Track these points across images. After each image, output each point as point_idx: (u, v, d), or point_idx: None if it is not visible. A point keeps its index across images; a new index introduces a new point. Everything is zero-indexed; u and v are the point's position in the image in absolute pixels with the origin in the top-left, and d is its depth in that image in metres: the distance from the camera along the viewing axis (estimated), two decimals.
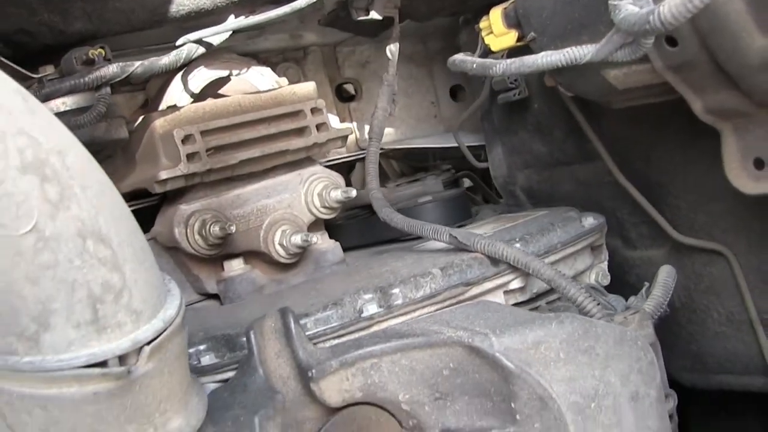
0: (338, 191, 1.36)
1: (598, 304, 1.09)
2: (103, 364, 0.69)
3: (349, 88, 1.72)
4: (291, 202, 1.36)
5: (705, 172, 1.18)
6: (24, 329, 0.67)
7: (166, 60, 1.26)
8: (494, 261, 1.15)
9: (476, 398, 1.02)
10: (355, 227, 1.51)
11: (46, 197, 0.65)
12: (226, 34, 1.30)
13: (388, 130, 1.66)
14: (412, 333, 1.03)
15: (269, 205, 1.35)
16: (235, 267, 1.33)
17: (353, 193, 1.35)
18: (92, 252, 0.68)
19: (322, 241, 1.39)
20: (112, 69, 1.19)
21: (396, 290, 1.10)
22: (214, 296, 1.33)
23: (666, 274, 1.14)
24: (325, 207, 1.37)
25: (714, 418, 1.41)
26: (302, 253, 1.34)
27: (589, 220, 1.28)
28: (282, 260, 1.32)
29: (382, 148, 1.51)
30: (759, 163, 0.98)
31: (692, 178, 1.22)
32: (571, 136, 1.38)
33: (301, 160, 1.40)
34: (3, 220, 0.63)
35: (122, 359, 0.70)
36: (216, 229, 1.25)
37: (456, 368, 1.02)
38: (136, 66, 1.23)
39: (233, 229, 1.25)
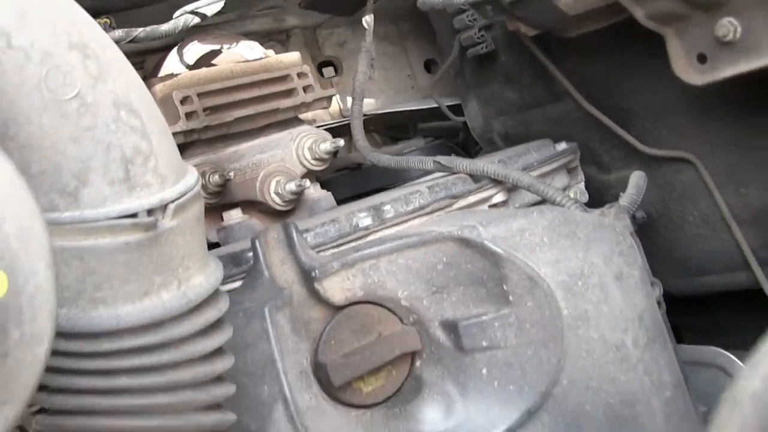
0: (327, 143, 1.46)
1: (576, 202, 1.19)
2: (133, 216, 0.77)
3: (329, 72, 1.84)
4: (284, 157, 1.46)
5: (662, 88, 1.29)
6: (65, 185, 0.75)
7: (165, 27, 1.37)
8: (477, 179, 1.25)
9: (471, 287, 1.10)
10: (345, 179, 1.60)
11: (87, 71, 0.76)
12: (219, 5, 1.41)
13: (369, 101, 1.77)
14: (405, 235, 1.12)
15: (263, 160, 1.44)
16: (234, 216, 1.42)
17: (341, 142, 1.45)
18: (125, 120, 0.77)
19: (314, 190, 1.48)
20: (117, 33, 1.31)
21: (387, 206, 1.19)
22: (214, 245, 1.42)
23: (637, 177, 1.25)
24: (315, 159, 1.47)
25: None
26: (297, 201, 1.43)
27: (562, 145, 1.40)
28: (278, 208, 1.42)
29: (364, 115, 1.61)
30: (702, 58, 1.10)
31: (651, 96, 1.33)
32: (538, 80, 1.49)
33: (291, 121, 1.50)
34: (52, 86, 0.73)
35: (150, 214, 0.78)
36: (216, 178, 1.34)
37: (449, 262, 1.10)
38: (139, 31, 1.34)
39: (231, 174, 1.35)
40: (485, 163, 1.24)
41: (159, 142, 0.81)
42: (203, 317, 0.83)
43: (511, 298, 1.07)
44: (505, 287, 1.07)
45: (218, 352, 0.87)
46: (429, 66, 1.90)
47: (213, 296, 0.86)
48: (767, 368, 0.47)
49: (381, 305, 1.12)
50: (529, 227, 1.09)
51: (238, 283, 1.11)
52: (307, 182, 1.40)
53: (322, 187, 1.53)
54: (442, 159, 1.28)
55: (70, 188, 0.76)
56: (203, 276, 0.84)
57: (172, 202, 0.80)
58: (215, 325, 0.86)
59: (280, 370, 1.00)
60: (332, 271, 1.08)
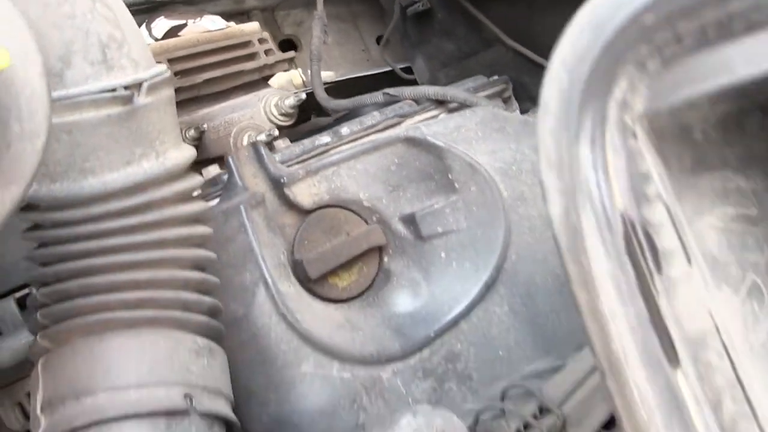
0: (291, 98, 1.59)
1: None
2: (112, 91, 0.90)
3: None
4: (253, 115, 1.59)
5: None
6: (52, 68, 0.88)
7: None
8: (421, 102, 1.39)
9: (422, 182, 1.23)
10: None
11: None
12: None
13: (329, 73, 1.91)
14: (360, 144, 1.25)
15: (234, 118, 1.57)
16: (213, 171, 1.54)
17: (303, 95, 1.58)
18: (100, 11, 0.90)
19: (284, 143, 1.61)
20: None
21: (345, 128, 1.32)
22: None
23: None
24: (282, 114, 1.60)
25: None
26: None
27: (494, 77, 1.54)
28: None
29: (325, 83, 1.75)
30: None
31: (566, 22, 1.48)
32: (471, 30, 1.65)
33: (257, 84, 1.63)
34: None
35: (127, 90, 0.91)
36: (192, 132, 1.47)
37: (400, 162, 1.23)
38: None
39: (205, 126, 1.47)
40: (427, 87, 1.37)
41: (130, 33, 0.94)
42: (180, 185, 0.95)
43: (456, 185, 1.20)
44: (450, 176, 1.20)
45: (198, 220, 0.98)
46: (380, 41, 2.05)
47: (188, 171, 0.98)
48: None
49: (346, 208, 1.24)
50: (464, 124, 1.22)
51: (217, 200, 1.23)
52: (276, 131, 1.52)
53: None
54: (390, 90, 1.41)
55: (56, 70, 0.88)
56: (178, 151, 0.96)
57: (146, 81, 0.93)
58: (192, 196, 0.98)
59: (258, 257, 1.11)
60: (299, 177, 1.21)
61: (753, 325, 0.65)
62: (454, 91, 1.34)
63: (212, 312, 0.97)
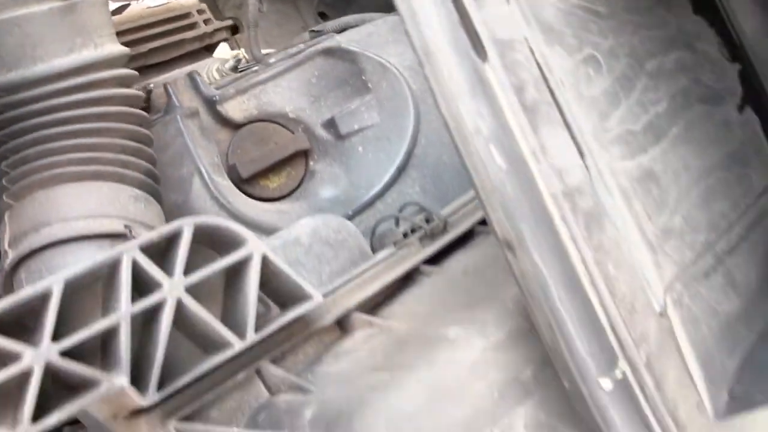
0: (230, 60, 1.78)
1: None
2: None
3: None
4: None
5: None
6: None
7: None
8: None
9: (339, 89, 1.40)
10: None
11: None
12: None
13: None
14: (284, 63, 1.43)
15: None
16: None
17: (241, 56, 1.77)
18: None
19: None
20: None
21: (272, 58, 1.50)
22: None
23: None
24: (223, 76, 1.78)
25: None
26: None
27: None
28: None
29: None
30: None
31: None
32: None
33: (199, 53, 1.82)
34: None
35: None
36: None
37: (319, 74, 1.41)
38: None
39: (152, 86, 1.65)
40: (349, 17, 1.56)
41: None
42: (117, 71, 1.12)
43: (370, 85, 1.37)
44: (363, 78, 1.37)
45: (135, 104, 1.15)
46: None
47: (125, 68, 1.15)
48: None
49: (274, 121, 1.41)
50: (375, 31, 1.41)
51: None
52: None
53: None
54: (316, 27, 1.60)
55: None
56: (114, 45, 1.14)
57: None
58: (129, 85, 1.15)
59: (194, 154, 1.27)
60: (230, 95, 1.38)
61: (586, 82, 0.82)
62: (373, 14, 1.53)
63: (149, 175, 1.12)
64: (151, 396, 0.69)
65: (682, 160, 0.90)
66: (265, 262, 0.77)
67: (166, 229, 0.72)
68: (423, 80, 1.37)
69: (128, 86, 1.15)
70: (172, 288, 0.70)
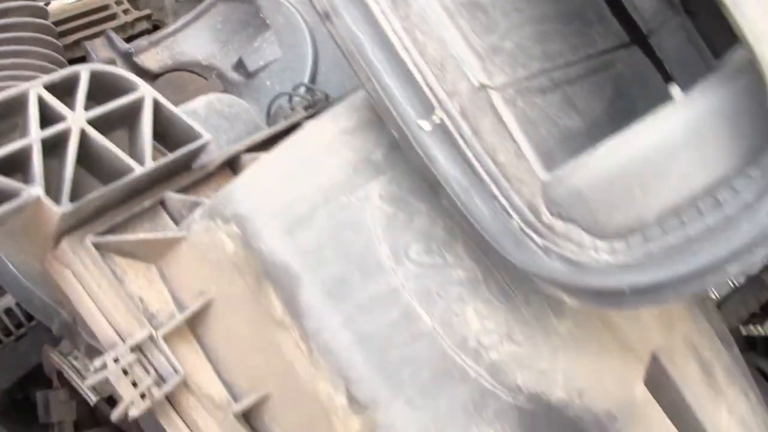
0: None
1: None
2: None
3: None
4: None
5: None
6: None
7: None
8: None
9: (244, 31, 1.55)
10: None
11: None
12: None
13: None
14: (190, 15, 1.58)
15: None
16: None
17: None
18: None
19: None
20: None
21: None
22: None
23: None
24: None
25: None
26: None
27: None
28: None
29: None
30: None
31: None
32: None
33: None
34: None
35: None
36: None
37: (223, 19, 1.56)
38: None
39: None
40: None
41: None
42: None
43: (268, 21, 1.52)
44: (261, 15, 1.53)
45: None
46: None
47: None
48: None
49: (189, 70, 1.56)
50: None
51: None
52: None
53: None
54: None
55: None
56: None
57: None
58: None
59: None
60: (144, 47, 1.52)
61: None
62: None
63: None
64: (65, 205, 0.81)
65: (512, 4, 1.06)
66: (158, 107, 0.90)
67: (66, 71, 0.85)
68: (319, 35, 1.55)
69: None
70: (75, 120, 0.84)
